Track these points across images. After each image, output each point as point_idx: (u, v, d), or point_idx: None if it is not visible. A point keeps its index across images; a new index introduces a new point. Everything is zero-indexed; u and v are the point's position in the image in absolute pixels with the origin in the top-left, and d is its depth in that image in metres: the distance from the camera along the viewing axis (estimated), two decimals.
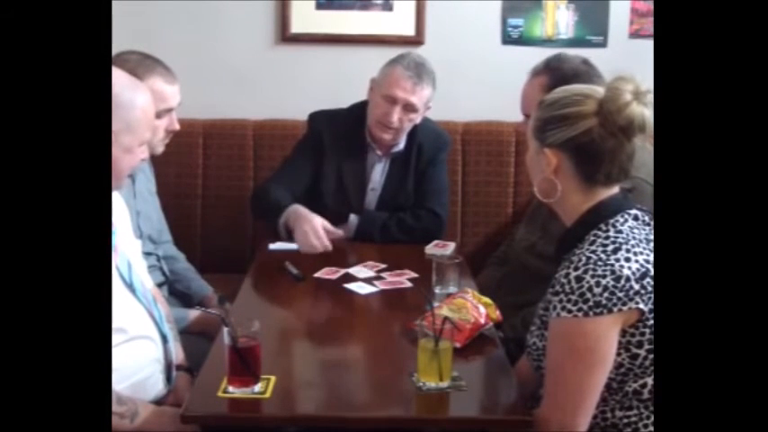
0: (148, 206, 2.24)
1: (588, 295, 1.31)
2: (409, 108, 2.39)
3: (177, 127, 2.16)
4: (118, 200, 1.75)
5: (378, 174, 2.53)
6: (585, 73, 2.04)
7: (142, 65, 2.06)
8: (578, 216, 1.44)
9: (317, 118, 2.55)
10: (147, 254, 2.16)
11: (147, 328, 1.60)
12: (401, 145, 2.51)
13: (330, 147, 2.48)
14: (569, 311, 1.32)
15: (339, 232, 2.34)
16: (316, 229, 2.28)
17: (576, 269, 1.34)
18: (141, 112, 1.55)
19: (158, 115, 2.09)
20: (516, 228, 2.39)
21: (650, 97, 1.36)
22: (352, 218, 2.46)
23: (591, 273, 1.32)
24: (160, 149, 2.17)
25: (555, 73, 2.05)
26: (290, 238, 2.33)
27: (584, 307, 1.31)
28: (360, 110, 2.52)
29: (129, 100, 1.52)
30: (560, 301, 1.34)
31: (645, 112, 1.36)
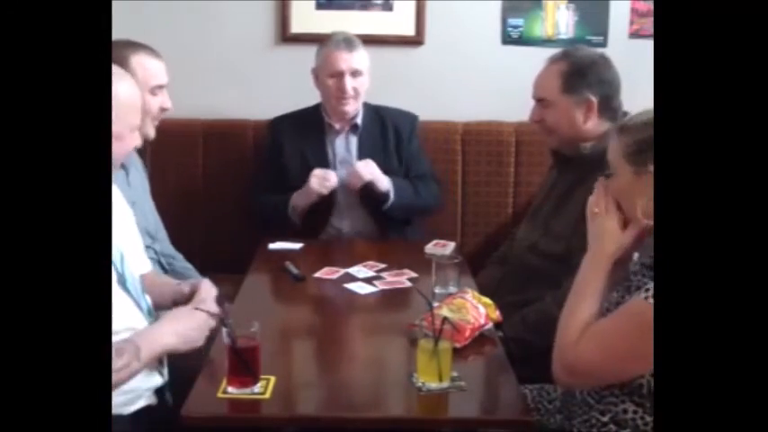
0: (143, 201, 2.25)
1: None
2: (356, 73, 2.53)
3: (169, 105, 2.20)
4: (114, 191, 1.76)
5: (342, 148, 2.63)
6: (603, 63, 2.07)
7: (128, 45, 2.12)
8: None
9: (274, 121, 2.72)
10: (145, 246, 2.17)
11: (134, 320, 1.59)
12: (358, 118, 2.62)
13: (288, 139, 2.63)
14: None
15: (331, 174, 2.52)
16: (317, 177, 2.48)
17: None
18: (126, 97, 1.58)
19: (152, 92, 2.14)
20: (517, 227, 2.39)
21: None
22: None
23: None
24: (152, 133, 2.19)
25: (574, 60, 2.07)
26: (304, 221, 2.53)
27: None
28: (314, 107, 2.67)
29: (113, 87, 1.53)
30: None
31: None
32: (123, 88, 1.58)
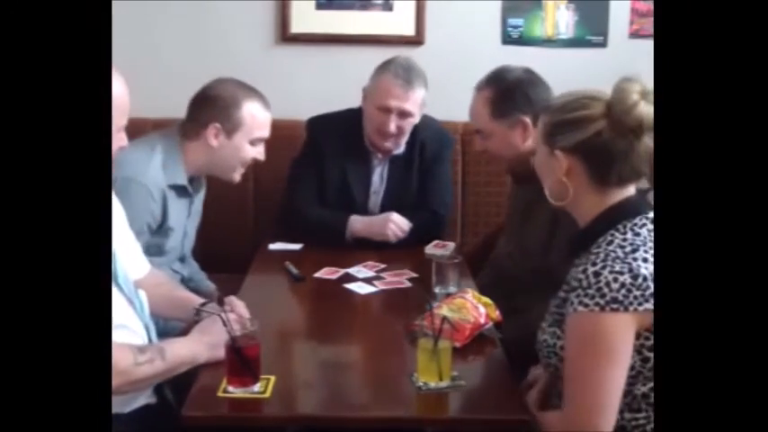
0: (191, 228, 2.26)
1: (605, 290, 1.31)
2: (405, 114, 2.37)
3: (263, 158, 2.20)
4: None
5: (378, 177, 2.53)
6: (528, 81, 2.05)
7: (243, 89, 2.13)
8: (594, 216, 1.44)
9: (315, 124, 2.55)
10: (174, 271, 2.18)
11: (127, 317, 1.58)
12: (402, 147, 2.50)
13: (330, 152, 2.48)
14: (586, 305, 1.32)
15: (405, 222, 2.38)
16: (396, 225, 2.36)
17: (594, 265, 1.34)
18: (118, 97, 1.54)
19: (253, 142, 2.14)
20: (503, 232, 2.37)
21: None
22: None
23: (609, 269, 1.32)
24: (237, 178, 2.21)
25: (498, 85, 2.05)
26: (358, 245, 2.37)
27: (601, 302, 1.30)
28: (358, 114, 2.51)
29: None
30: (578, 296, 1.33)
31: (652, 111, 1.36)
32: (116, 87, 1.54)
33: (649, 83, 1.36)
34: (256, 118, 2.12)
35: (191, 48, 2.92)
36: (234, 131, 2.11)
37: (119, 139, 1.59)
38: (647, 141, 1.38)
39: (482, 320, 1.70)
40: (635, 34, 2.98)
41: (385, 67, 2.39)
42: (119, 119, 1.58)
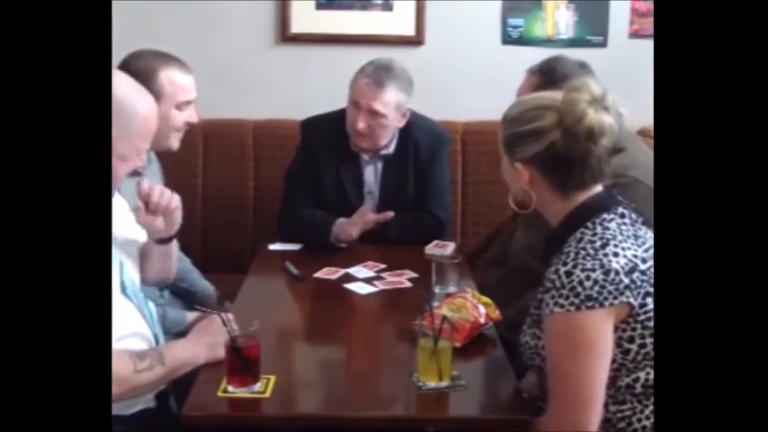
0: None
1: (579, 289, 1.32)
2: (374, 114, 2.34)
3: (196, 119, 2.17)
4: (117, 196, 1.76)
5: (371, 177, 2.51)
6: (579, 75, 2.03)
7: (158, 58, 2.09)
8: (563, 217, 1.46)
9: (309, 125, 2.54)
10: None
11: (138, 325, 1.59)
12: (391, 148, 2.48)
13: (325, 153, 2.47)
14: (561, 306, 1.33)
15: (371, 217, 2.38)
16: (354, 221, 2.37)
17: (565, 264, 1.36)
18: (142, 121, 1.54)
19: (179, 107, 2.11)
20: (512, 228, 2.37)
21: (608, 102, 1.39)
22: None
23: (580, 267, 1.34)
24: (176, 145, 2.16)
25: (546, 75, 2.04)
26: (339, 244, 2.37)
27: (576, 301, 1.32)
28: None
29: (131, 107, 1.51)
30: (552, 297, 1.35)
31: (603, 117, 1.38)
32: (143, 110, 1.54)
33: (599, 88, 1.41)
34: (176, 83, 2.08)
35: (191, 47, 2.89)
36: (156, 102, 2.09)
37: (137, 161, 1.56)
38: (605, 145, 1.40)
39: (482, 320, 1.70)
40: (635, 34, 2.98)
41: (363, 66, 2.41)
42: (142, 143, 1.55)
